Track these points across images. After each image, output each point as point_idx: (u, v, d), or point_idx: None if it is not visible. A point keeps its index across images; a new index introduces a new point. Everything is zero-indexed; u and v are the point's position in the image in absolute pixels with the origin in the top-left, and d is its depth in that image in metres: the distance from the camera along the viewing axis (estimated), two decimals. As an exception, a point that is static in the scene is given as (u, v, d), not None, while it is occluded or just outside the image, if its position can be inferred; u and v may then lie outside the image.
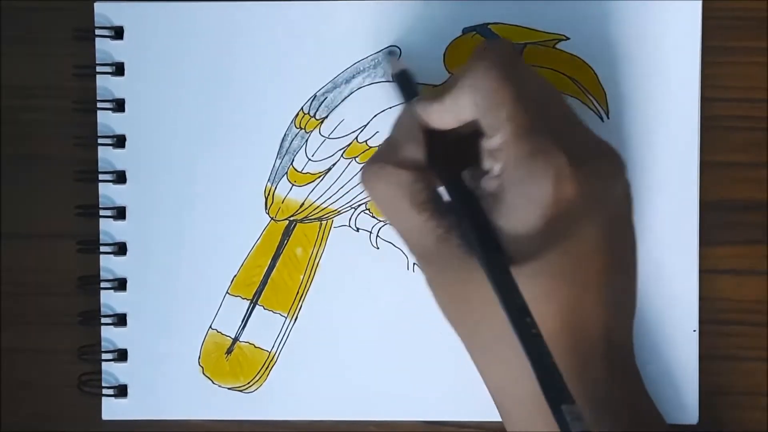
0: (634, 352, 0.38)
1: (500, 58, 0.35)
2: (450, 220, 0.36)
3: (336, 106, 0.42)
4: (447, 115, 0.36)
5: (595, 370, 0.35)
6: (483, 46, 0.36)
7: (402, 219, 0.36)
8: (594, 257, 0.35)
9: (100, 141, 0.43)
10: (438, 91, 0.36)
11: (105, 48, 0.43)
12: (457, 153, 0.37)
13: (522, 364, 0.33)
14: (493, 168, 0.35)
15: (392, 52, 0.42)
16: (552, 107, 0.36)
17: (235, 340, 0.43)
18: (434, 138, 0.37)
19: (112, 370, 0.43)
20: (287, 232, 0.43)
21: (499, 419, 0.41)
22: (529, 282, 0.33)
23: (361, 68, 0.42)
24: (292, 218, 0.43)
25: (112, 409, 0.43)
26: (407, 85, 0.40)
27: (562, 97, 0.38)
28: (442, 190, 0.37)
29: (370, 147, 0.42)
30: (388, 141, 0.38)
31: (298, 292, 0.43)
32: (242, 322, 0.43)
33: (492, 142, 0.35)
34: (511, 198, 0.34)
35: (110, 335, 0.43)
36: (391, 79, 0.41)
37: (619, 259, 0.37)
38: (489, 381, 0.37)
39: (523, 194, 0.34)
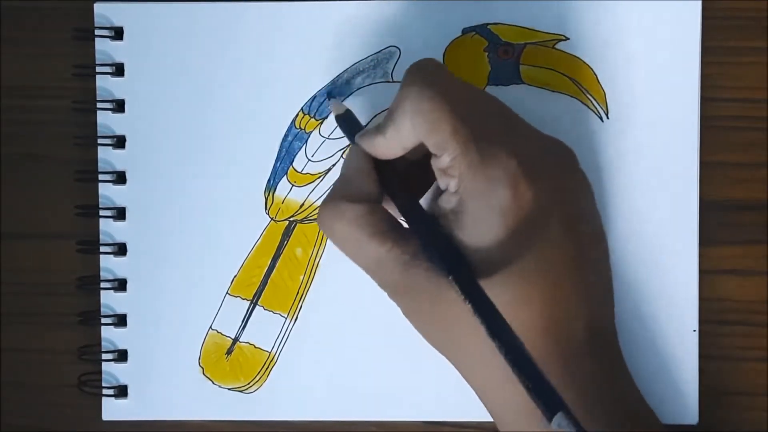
0: (620, 348, 0.38)
1: (429, 77, 0.35)
2: (414, 246, 0.36)
3: (336, 107, 0.42)
4: (391, 145, 0.36)
5: (583, 370, 0.35)
6: (410, 70, 0.36)
7: (365, 253, 0.36)
8: (562, 254, 0.36)
9: (100, 141, 0.43)
10: (380, 124, 0.37)
11: (105, 48, 0.43)
12: (411, 178, 0.38)
13: (509, 372, 0.33)
14: (449, 185, 0.35)
15: (331, 95, 0.42)
16: (491, 113, 0.37)
17: (235, 340, 0.43)
18: (385, 167, 0.37)
19: (112, 371, 0.43)
20: (287, 233, 0.43)
21: (499, 419, 0.42)
22: (504, 290, 0.34)
23: (361, 68, 0.42)
24: (292, 219, 0.43)
25: (112, 410, 0.43)
26: (351, 124, 0.40)
27: (498, 101, 0.38)
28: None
29: (370, 147, 0.42)
30: (338, 180, 0.38)
31: (298, 293, 0.43)
32: (242, 322, 0.43)
33: (442, 160, 0.35)
34: (471, 210, 0.35)
35: (110, 335, 0.43)
36: (338, 119, 0.41)
37: (588, 253, 0.37)
38: (481, 393, 0.37)
39: (482, 205, 0.34)
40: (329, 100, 0.42)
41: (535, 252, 0.35)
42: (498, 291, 0.33)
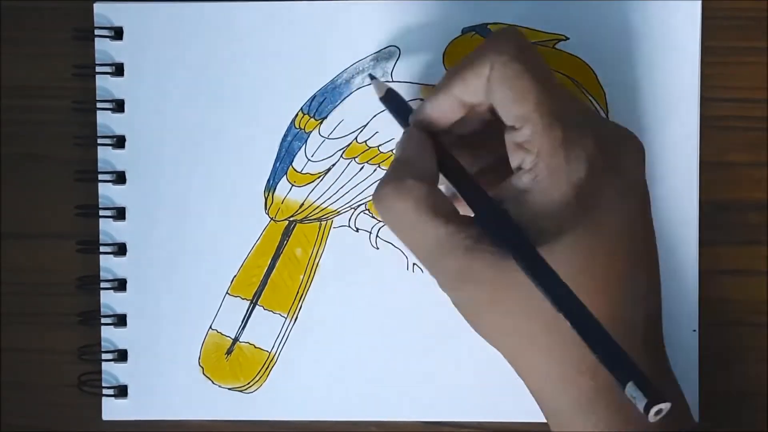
0: (664, 342, 0.38)
1: (517, 46, 0.34)
2: (477, 230, 0.34)
3: (336, 106, 0.42)
4: (454, 103, 0.35)
5: (636, 355, 0.35)
6: (497, 36, 0.35)
7: (425, 235, 0.35)
8: (627, 246, 0.35)
9: (99, 141, 0.43)
10: (439, 84, 0.36)
11: (105, 48, 0.43)
12: (466, 160, 0.37)
13: (570, 359, 0.33)
14: (523, 161, 0.34)
15: (373, 76, 0.42)
16: (569, 94, 0.36)
17: (235, 340, 0.43)
18: (441, 149, 0.36)
19: (112, 370, 0.43)
20: (287, 233, 0.43)
21: (499, 419, 0.42)
22: (567, 259, 0.33)
23: (361, 68, 0.42)
24: (291, 218, 0.43)
25: (112, 410, 0.43)
26: (397, 103, 0.40)
27: (566, 87, 0.37)
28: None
29: (370, 147, 0.42)
30: (397, 160, 0.37)
31: (297, 293, 0.43)
32: (242, 322, 0.43)
33: (521, 133, 0.34)
34: (545, 190, 0.34)
35: (110, 335, 0.43)
36: (383, 100, 0.40)
37: (647, 247, 0.37)
38: (535, 383, 0.36)
39: (558, 184, 0.34)
40: (372, 80, 0.41)
41: (602, 241, 0.34)
42: (563, 259, 0.33)
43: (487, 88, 0.34)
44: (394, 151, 0.41)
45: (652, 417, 0.29)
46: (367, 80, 0.42)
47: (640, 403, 0.29)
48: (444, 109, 0.36)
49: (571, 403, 0.35)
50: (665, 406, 0.29)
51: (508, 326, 0.35)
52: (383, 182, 0.35)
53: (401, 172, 0.35)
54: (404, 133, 0.38)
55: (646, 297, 0.36)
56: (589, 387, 0.34)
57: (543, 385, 0.36)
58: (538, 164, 0.34)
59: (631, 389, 0.30)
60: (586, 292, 0.32)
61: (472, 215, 0.36)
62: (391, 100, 0.40)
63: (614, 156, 0.35)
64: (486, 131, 0.37)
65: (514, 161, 0.35)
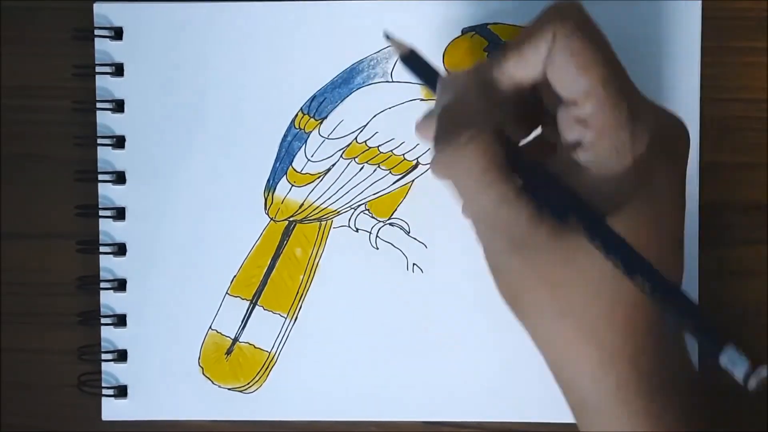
0: None
1: (580, 18, 0.33)
2: (539, 199, 0.33)
3: (336, 106, 0.42)
4: (505, 80, 0.34)
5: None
6: (556, 7, 0.33)
7: (491, 195, 0.32)
8: (672, 211, 0.34)
9: (99, 141, 0.43)
10: (504, 48, 0.34)
11: (104, 48, 0.43)
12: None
13: (613, 344, 0.32)
14: (583, 138, 0.33)
15: (388, 35, 0.37)
16: (626, 72, 0.34)
17: (235, 340, 0.43)
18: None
19: (112, 371, 0.43)
20: (287, 233, 0.43)
21: (499, 419, 0.42)
22: (628, 229, 0.32)
23: (361, 68, 0.42)
24: (291, 219, 0.43)
25: (112, 410, 0.43)
26: (420, 65, 0.36)
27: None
28: None
29: (370, 147, 0.42)
30: (452, 111, 0.34)
31: (297, 293, 0.43)
32: (242, 322, 0.43)
33: (582, 109, 0.32)
34: (604, 165, 0.32)
35: (110, 335, 0.43)
36: (402, 64, 0.37)
37: (681, 224, 0.35)
38: (568, 370, 0.34)
39: (619, 163, 0.32)
40: (388, 39, 0.36)
41: (657, 214, 0.33)
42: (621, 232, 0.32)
43: (547, 61, 0.33)
44: (435, 103, 0.36)
45: (752, 385, 0.28)
46: (368, 80, 0.42)
47: (740, 370, 0.28)
48: (511, 72, 0.34)
49: (606, 391, 0.33)
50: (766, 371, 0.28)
51: (552, 305, 0.33)
52: (442, 139, 0.33)
53: (464, 124, 0.32)
54: (453, 79, 0.35)
55: (683, 270, 0.35)
56: (629, 374, 0.33)
57: (576, 372, 0.34)
58: (600, 141, 0.32)
59: (731, 353, 0.28)
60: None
61: None
62: (414, 62, 0.36)
63: (668, 138, 0.34)
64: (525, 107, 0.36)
65: (570, 136, 0.33)
